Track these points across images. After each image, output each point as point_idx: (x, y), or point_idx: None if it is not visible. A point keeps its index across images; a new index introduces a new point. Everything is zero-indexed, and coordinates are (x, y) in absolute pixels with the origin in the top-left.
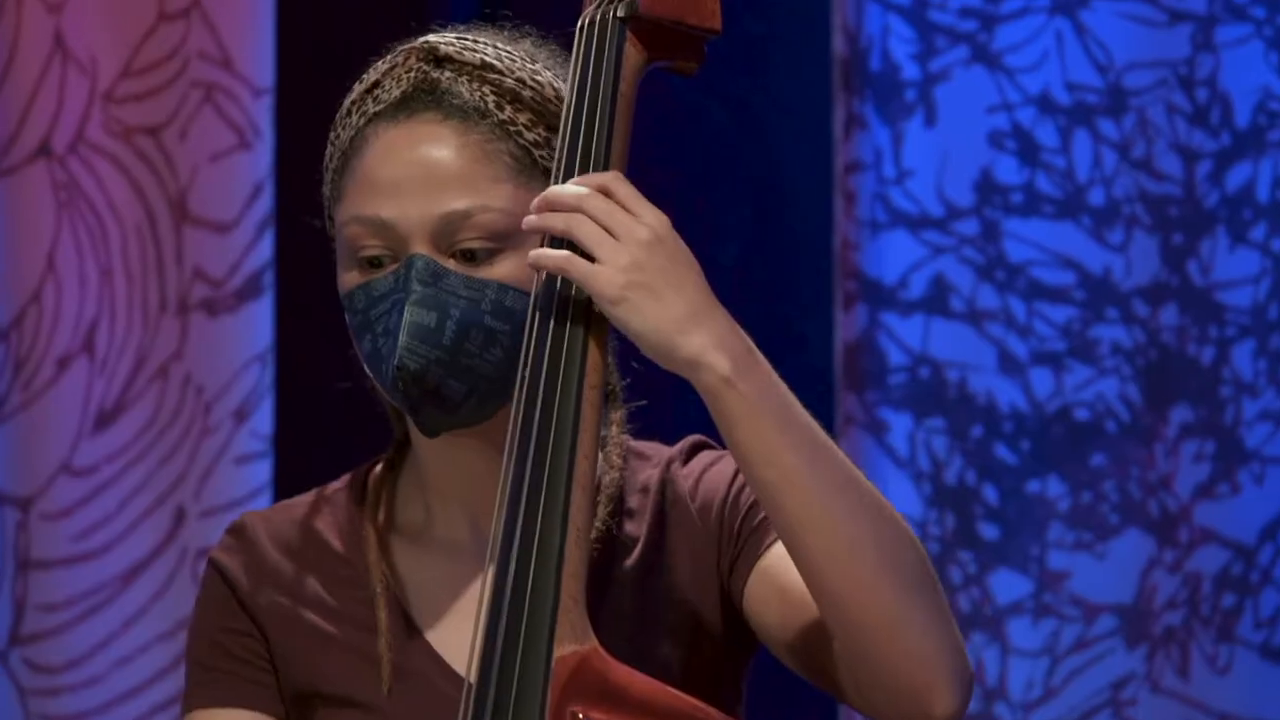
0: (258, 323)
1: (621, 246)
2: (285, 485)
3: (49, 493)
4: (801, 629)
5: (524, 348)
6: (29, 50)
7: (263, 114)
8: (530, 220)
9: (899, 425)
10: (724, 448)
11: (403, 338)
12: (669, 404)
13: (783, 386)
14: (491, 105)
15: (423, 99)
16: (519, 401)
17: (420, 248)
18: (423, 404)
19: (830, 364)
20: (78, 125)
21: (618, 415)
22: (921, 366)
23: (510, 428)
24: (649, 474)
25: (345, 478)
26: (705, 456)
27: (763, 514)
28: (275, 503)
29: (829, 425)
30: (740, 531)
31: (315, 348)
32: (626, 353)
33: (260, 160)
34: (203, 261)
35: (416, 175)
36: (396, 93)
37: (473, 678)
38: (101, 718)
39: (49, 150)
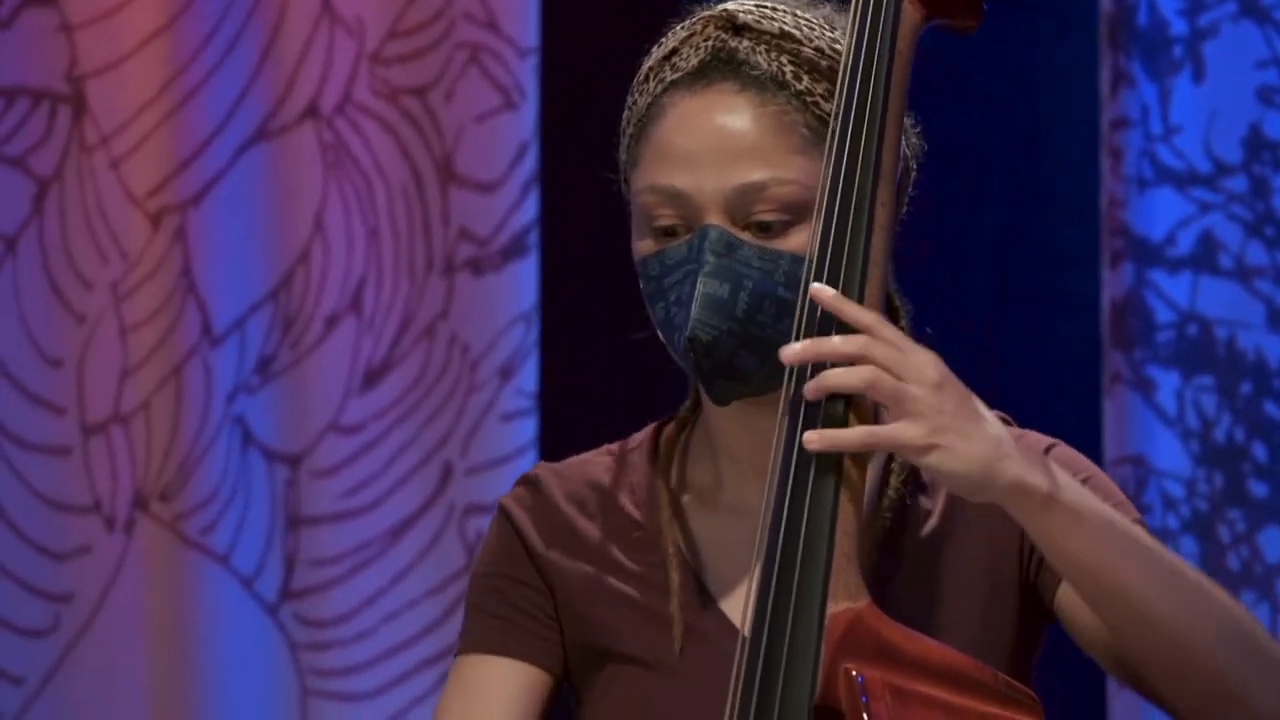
0: (523, 281)
1: (917, 393)
2: (550, 442)
3: (318, 450)
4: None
5: (796, 313)
6: (297, 13)
7: (528, 74)
8: (818, 384)
9: (1167, 383)
10: (1021, 426)
11: (695, 309)
12: None
13: (1079, 486)
14: (789, 75)
15: (720, 68)
16: (792, 367)
17: (714, 218)
18: (714, 375)
19: (1097, 322)
20: (345, 87)
21: None
22: (1189, 324)
23: (785, 385)
24: None
25: (638, 436)
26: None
27: None
28: (540, 459)
29: (1096, 384)
30: None
31: (579, 306)
32: None
33: (525, 120)
34: (468, 221)
35: (712, 146)
36: (694, 61)
37: (746, 633)
38: (370, 672)
39: (317, 112)
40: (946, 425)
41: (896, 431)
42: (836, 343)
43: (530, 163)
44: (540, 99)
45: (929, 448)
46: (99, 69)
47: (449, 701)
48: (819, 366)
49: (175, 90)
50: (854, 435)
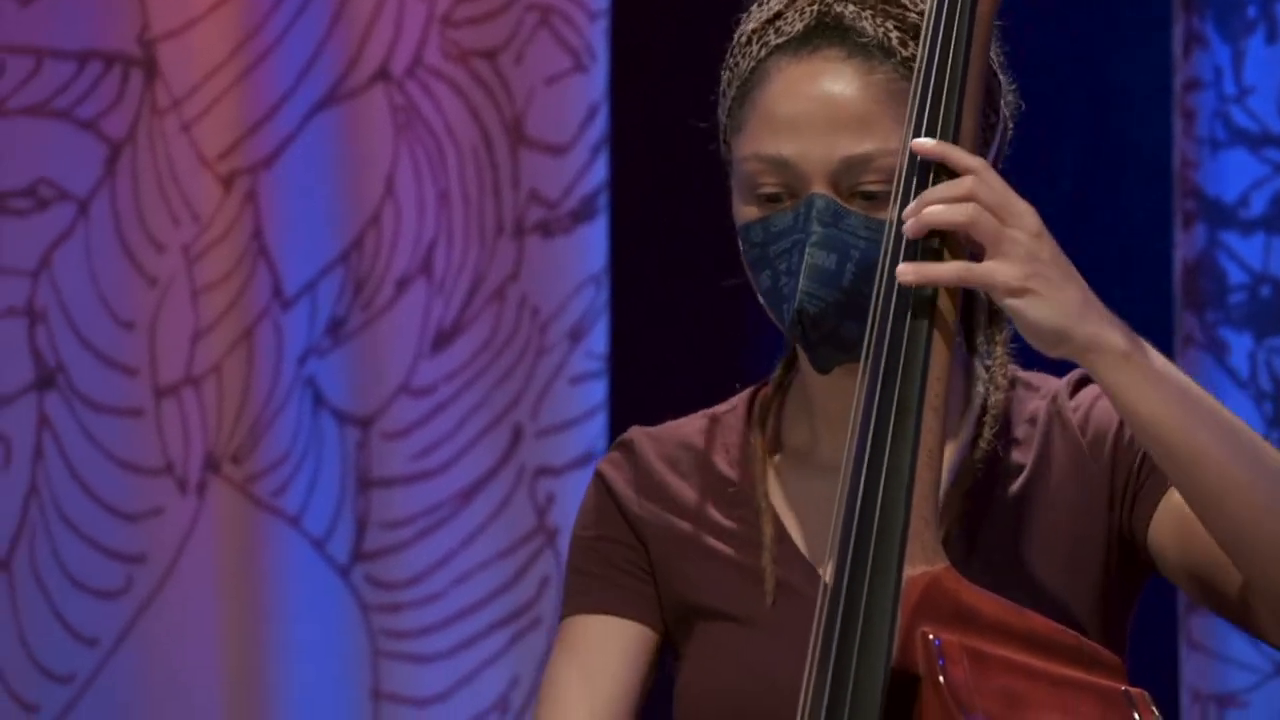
0: (592, 244)
1: (1016, 237)
2: (620, 404)
3: (388, 412)
4: (1216, 564)
5: (877, 274)
6: None
7: (598, 36)
8: (921, 219)
9: (1239, 345)
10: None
11: (803, 281)
12: None
13: (1160, 354)
14: (895, 42)
15: (826, 34)
16: (871, 326)
17: (820, 188)
18: (820, 344)
19: (1169, 284)
20: (415, 49)
21: (1002, 336)
22: (1262, 285)
23: (863, 353)
24: (1036, 404)
25: (732, 400)
26: (1092, 390)
27: None
28: (610, 422)
29: (1168, 346)
30: (1141, 467)
31: (649, 268)
32: None
33: (595, 83)
34: (538, 184)
35: (818, 114)
36: (799, 26)
37: (826, 599)
38: (440, 634)
39: (387, 74)
40: (1041, 272)
41: (992, 270)
42: (946, 186)
43: (600, 125)
44: (610, 61)
45: (1021, 290)
46: (171, 32)
47: (558, 663)
48: (902, 296)
49: (246, 53)
50: (948, 269)
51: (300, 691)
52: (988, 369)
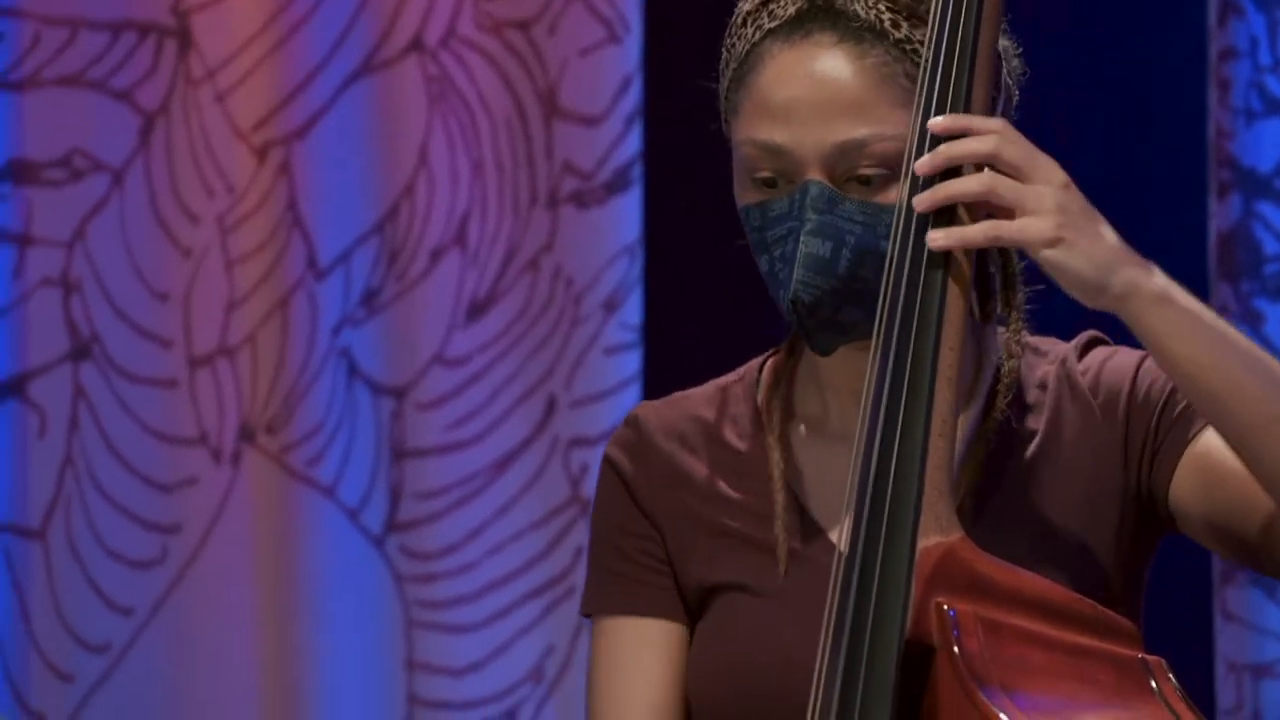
0: (626, 215)
1: (1043, 191)
2: (655, 375)
3: (422, 383)
4: (1239, 512)
5: (889, 245)
6: None
7: (631, 8)
8: (935, 196)
9: (1274, 316)
10: (1115, 343)
11: (797, 270)
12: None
13: (1193, 297)
14: (888, 24)
15: (818, 18)
16: (884, 297)
17: (814, 174)
18: (817, 330)
19: (1204, 254)
20: (449, 20)
21: (1016, 302)
22: None
23: (876, 323)
24: (1045, 369)
25: (741, 369)
26: (1101, 351)
27: (1182, 403)
28: (644, 393)
29: None
30: (1159, 424)
31: (683, 239)
32: None
33: (629, 54)
34: (572, 155)
35: (811, 100)
36: (791, 10)
37: (839, 569)
38: (474, 604)
39: (421, 45)
40: (1072, 223)
41: (1024, 226)
42: (970, 142)
43: (634, 96)
44: (644, 32)
45: (1054, 241)
46: (205, 2)
47: (598, 672)
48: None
49: (280, 24)
50: (980, 230)
51: (334, 661)
52: (1001, 338)
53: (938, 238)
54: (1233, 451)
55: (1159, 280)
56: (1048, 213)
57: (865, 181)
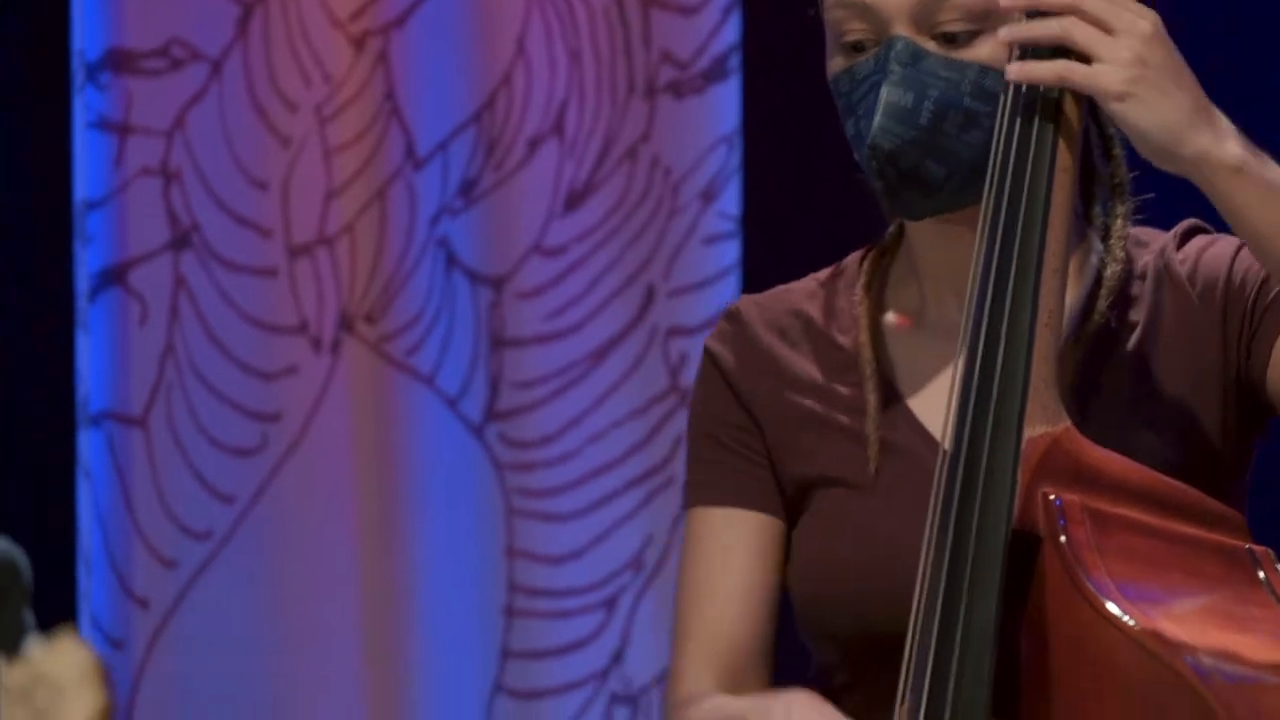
0: (724, 104)
1: (1122, 42)
2: (753, 265)
3: (520, 272)
4: None
5: (995, 134)
6: None
7: None
8: (1011, 32)
9: None
10: (1218, 231)
11: (878, 117)
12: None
13: (1274, 164)
14: None
15: None
16: (990, 186)
17: (901, 29)
18: (900, 186)
19: None
20: None
21: (1124, 208)
22: None
23: (982, 212)
24: (1146, 260)
25: (843, 262)
26: (1199, 240)
27: (1278, 287)
28: (742, 283)
29: None
30: (1254, 308)
31: (781, 128)
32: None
33: None
34: (670, 44)
35: None
36: None
37: (947, 448)
38: (574, 492)
39: None
40: (1147, 77)
41: (1095, 72)
42: None
43: None
44: None
45: (1123, 95)
46: None
47: (691, 562)
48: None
49: None
50: (1049, 66)
51: (434, 548)
52: (1105, 242)
53: (1013, 70)
54: None
55: (1233, 149)
56: (1122, 63)
57: (950, 38)
